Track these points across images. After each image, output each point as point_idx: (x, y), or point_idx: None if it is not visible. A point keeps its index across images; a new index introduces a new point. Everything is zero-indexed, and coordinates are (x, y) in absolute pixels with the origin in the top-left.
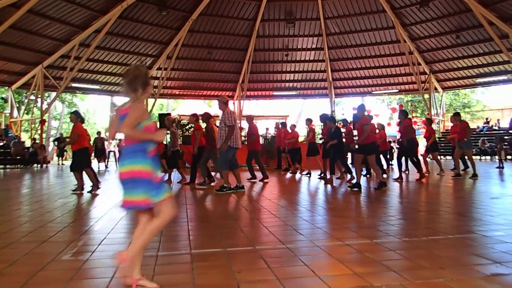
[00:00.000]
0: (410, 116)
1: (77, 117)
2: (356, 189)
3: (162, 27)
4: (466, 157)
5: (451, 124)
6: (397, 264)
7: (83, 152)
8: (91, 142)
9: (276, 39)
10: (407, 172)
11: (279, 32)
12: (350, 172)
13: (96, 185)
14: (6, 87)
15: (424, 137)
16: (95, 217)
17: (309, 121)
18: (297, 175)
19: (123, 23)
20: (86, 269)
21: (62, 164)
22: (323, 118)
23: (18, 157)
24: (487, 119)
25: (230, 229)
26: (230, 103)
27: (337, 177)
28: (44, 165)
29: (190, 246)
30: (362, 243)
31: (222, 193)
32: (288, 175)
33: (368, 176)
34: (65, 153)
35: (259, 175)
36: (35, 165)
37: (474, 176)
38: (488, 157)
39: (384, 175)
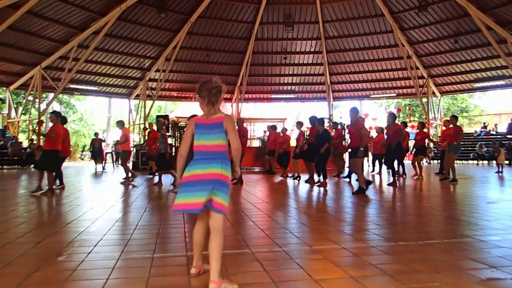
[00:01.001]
0: (408, 120)
1: (57, 117)
2: (361, 193)
3: (160, 29)
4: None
5: (444, 128)
6: (393, 268)
7: (53, 154)
8: (89, 144)
9: (275, 42)
10: (404, 176)
11: (277, 35)
12: (325, 176)
13: (51, 190)
14: (4, 88)
15: (415, 139)
16: (91, 218)
17: (299, 124)
18: (281, 178)
19: (122, 25)
20: (81, 270)
21: None
22: (312, 120)
23: (15, 158)
24: (484, 123)
25: (225, 231)
26: (228, 105)
27: (305, 179)
28: None
29: (186, 248)
30: (358, 247)
31: None
32: (278, 178)
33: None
34: None
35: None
36: (32, 166)
37: (454, 181)
38: (486, 162)
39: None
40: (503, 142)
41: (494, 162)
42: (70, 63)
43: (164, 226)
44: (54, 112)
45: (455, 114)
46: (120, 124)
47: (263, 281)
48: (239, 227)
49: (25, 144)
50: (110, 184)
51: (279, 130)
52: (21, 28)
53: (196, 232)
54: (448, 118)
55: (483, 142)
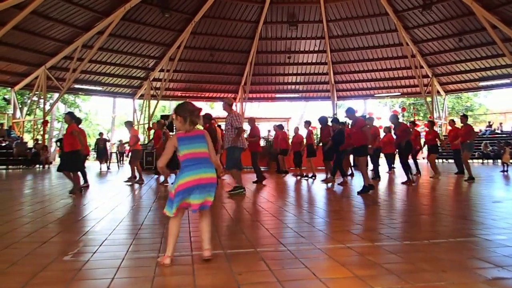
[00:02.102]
0: (412, 119)
1: (71, 118)
2: (366, 191)
3: (164, 29)
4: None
5: (450, 128)
6: (399, 267)
7: (75, 154)
8: (93, 143)
9: (279, 42)
10: (419, 175)
11: (281, 34)
12: (344, 175)
13: (79, 189)
14: (9, 88)
15: (426, 139)
16: (96, 218)
17: (308, 124)
18: (295, 178)
19: (126, 25)
20: (87, 270)
21: None
22: (322, 120)
23: (21, 158)
24: (489, 122)
25: (231, 230)
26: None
27: (322, 179)
28: (46, 166)
29: (191, 247)
30: (363, 246)
31: (235, 193)
32: (287, 177)
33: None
34: None
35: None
36: (37, 165)
37: (471, 179)
38: (491, 161)
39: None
40: (508, 141)
41: (499, 161)
42: (75, 63)
43: (169, 225)
44: (68, 113)
45: (464, 113)
46: (129, 124)
47: (268, 280)
48: (244, 227)
49: (30, 144)
50: (115, 184)
51: (285, 129)
52: (26, 29)
53: (176, 226)
54: (452, 118)
55: (488, 141)
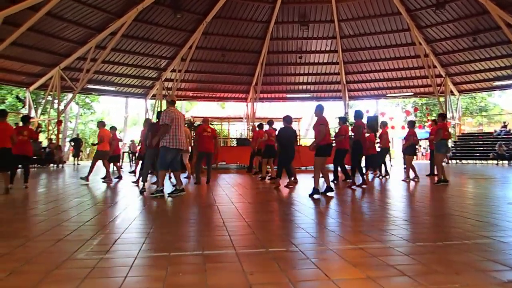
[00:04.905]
0: (425, 119)
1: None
2: (316, 196)
3: (176, 30)
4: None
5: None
6: (411, 269)
7: (3, 153)
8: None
9: (290, 42)
10: (388, 176)
11: (293, 34)
12: (280, 175)
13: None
14: (24, 88)
15: (406, 138)
16: (109, 216)
17: (270, 123)
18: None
19: (138, 26)
20: (100, 268)
21: (78, 164)
22: (285, 120)
23: (35, 157)
24: (504, 122)
25: (242, 230)
26: (243, 105)
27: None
28: (60, 165)
29: (202, 247)
30: (375, 247)
31: (155, 195)
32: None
33: (335, 182)
34: (80, 153)
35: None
36: (51, 165)
37: (445, 181)
38: (506, 162)
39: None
40: None
41: None
42: (88, 64)
43: (180, 225)
44: None
45: (442, 113)
46: (100, 124)
47: (280, 281)
48: (255, 227)
49: (44, 143)
50: (126, 183)
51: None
52: (41, 30)
53: None
54: (435, 118)
55: (503, 142)
